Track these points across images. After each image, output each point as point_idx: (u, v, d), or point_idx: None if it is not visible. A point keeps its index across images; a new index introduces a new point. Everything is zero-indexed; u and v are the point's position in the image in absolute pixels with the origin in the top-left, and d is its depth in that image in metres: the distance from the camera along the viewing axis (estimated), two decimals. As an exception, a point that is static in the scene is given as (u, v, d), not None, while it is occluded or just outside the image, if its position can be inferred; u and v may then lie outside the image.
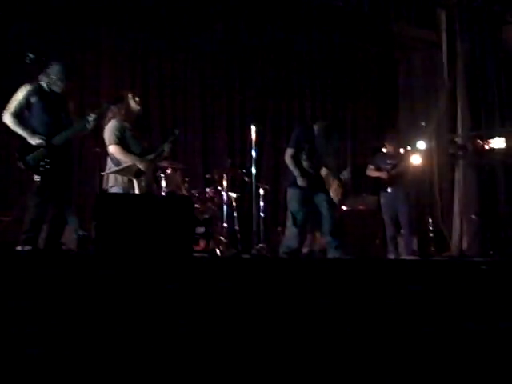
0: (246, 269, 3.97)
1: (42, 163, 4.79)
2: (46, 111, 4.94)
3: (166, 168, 6.63)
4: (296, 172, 5.88)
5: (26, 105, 4.92)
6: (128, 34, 8.18)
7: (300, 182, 5.86)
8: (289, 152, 5.99)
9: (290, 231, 5.93)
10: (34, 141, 4.82)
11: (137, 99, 5.29)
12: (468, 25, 8.65)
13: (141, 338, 3.16)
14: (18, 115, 4.91)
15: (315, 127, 6.12)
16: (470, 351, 3.88)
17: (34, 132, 4.86)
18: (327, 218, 5.93)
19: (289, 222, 5.96)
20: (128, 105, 5.25)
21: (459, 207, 7.62)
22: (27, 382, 2.67)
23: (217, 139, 8.76)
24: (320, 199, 5.95)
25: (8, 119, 4.89)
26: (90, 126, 5.06)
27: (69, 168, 5.12)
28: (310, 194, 5.94)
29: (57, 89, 5.06)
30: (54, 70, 5.03)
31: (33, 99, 4.92)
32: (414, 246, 7.80)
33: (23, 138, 4.86)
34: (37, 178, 4.80)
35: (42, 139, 4.82)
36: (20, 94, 4.93)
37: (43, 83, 5.02)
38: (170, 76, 8.62)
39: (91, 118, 4.99)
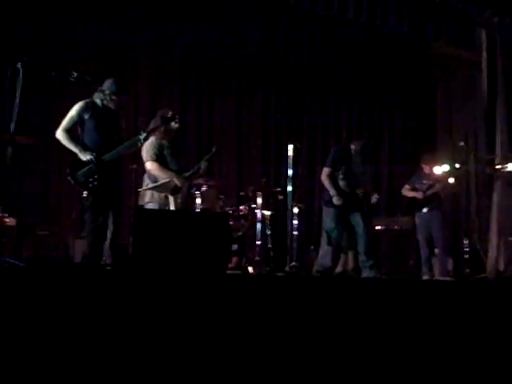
0: (280, 286, 3.98)
1: (90, 179, 4.83)
2: (98, 128, 4.99)
3: (201, 185, 6.69)
4: (332, 191, 5.94)
5: (78, 121, 5.00)
6: (166, 51, 8.31)
7: (336, 201, 5.92)
8: (326, 171, 6.08)
9: (324, 250, 5.97)
10: (84, 157, 4.87)
11: (176, 118, 5.36)
12: (509, 45, 8.56)
13: (175, 353, 3.19)
14: (71, 131, 4.99)
15: (352, 147, 6.16)
16: (504, 374, 3.83)
17: (85, 148, 4.91)
18: (362, 238, 5.96)
19: (323, 241, 6.01)
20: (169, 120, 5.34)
21: (496, 228, 7.50)
22: None
23: (252, 157, 8.81)
24: (355, 218, 5.97)
25: (60, 135, 4.97)
26: (141, 144, 5.12)
27: (118, 186, 5.15)
28: (346, 213, 5.98)
29: (111, 104, 5.10)
30: (107, 84, 5.10)
31: (86, 116, 4.99)
32: (449, 267, 7.71)
33: (75, 154, 4.92)
34: (85, 193, 4.86)
35: (93, 155, 4.86)
36: (73, 111, 5.01)
37: (97, 100, 5.09)
38: (206, 93, 8.72)
39: (142, 136, 5.03)
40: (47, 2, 7.23)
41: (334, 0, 7.56)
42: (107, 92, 5.05)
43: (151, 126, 5.35)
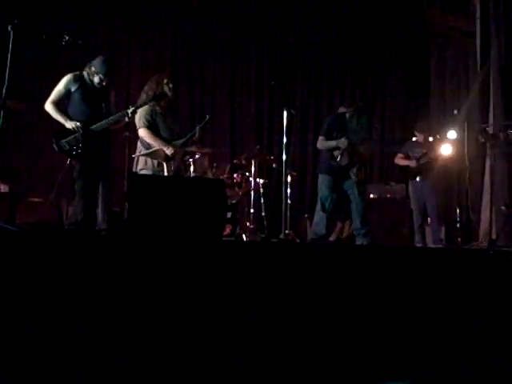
0: (274, 253, 3.98)
1: (74, 147, 4.95)
2: (85, 100, 5.08)
3: (195, 153, 6.65)
4: (336, 152, 5.93)
5: (65, 93, 5.09)
6: (157, 17, 8.22)
7: (337, 154, 5.92)
8: (321, 140, 6.04)
9: (319, 216, 5.97)
10: (69, 125, 4.97)
11: (170, 85, 5.34)
12: (503, 14, 8.50)
13: (169, 319, 3.20)
14: (58, 103, 5.08)
15: (346, 114, 6.11)
16: (493, 341, 3.87)
17: (71, 118, 5.01)
18: (356, 205, 5.96)
19: (318, 208, 6.00)
20: (162, 89, 5.29)
21: (488, 197, 7.52)
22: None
23: (245, 124, 8.75)
24: (350, 186, 5.96)
25: (49, 107, 5.07)
26: (128, 119, 5.15)
27: (106, 153, 5.23)
28: (341, 181, 5.96)
29: (95, 81, 5.15)
30: (96, 63, 5.14)
31: (73, 88, 5.08)
32: (442, 235, 7.75)
33: (62, 125, 5.01)
34: (71, 162, 5.03)
35: (77, 124, 4.96)
36: (61, 84, 5.10)
37: (85, 73, 5.16)
38: (198, 61, 8.62)
39: (130, 110, 5.07)
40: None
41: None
42: (94, 70, 5.12)
43: (145, 94, 5.33)
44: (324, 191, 5.96)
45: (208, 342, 3.16)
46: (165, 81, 5.38)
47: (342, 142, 5.90)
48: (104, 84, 5.16)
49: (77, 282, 3.07)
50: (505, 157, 8.00)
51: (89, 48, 5.67)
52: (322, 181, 6.03)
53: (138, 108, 5.16)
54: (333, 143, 5.96)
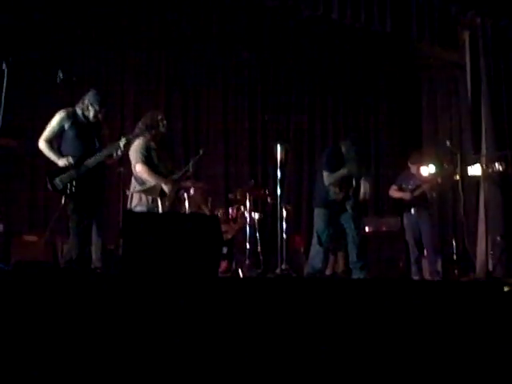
0: (271, 289, 3.95)
1: (69, 185, 4.95)
2: (79, 137, 5.09)
3: (189, 188, 6.65)
4: (341, 173, 5.91)
5: (59, 131, 5.10)
6: (151, 53, 8.27)
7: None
8: (327, 176, 5.97)
9: (315, 250, 5.94)
10: (62, 162, 4.99)
11: (164, 121, 5.37)
12: (492, 45, 8.62)
13: (167, 356, 3.15)
14: (51, 141, 5.10)
15: (342, 147, 6.13)
16: (491, 371, 3.83)
17: (63, 156, 5.02)
18: (353, 239, 5.95)
19: (314, 241, 5.97)
20: (155, 124, 5.31)
21: (484, 228, 7.52)
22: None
23: (239, 159, 8.76)
24: (346, 219, 5.95)
25: (42, 144, 5.08)
26: (121, 151, 5.14)
27: (100, 190, 5.22)
28: (337, 214, 5.95)
29: (90, 115, 5.17)
30: (89, 96, 5.18)
31: (66, 125, 5.09)
32: (439, 267, 7.72)
33: (55, 164, 5.04)
34: (66, 199, 5.01)
35: (68, 160, 4.97)
36: (54, 121, 5.11)
37: (78, 109, 5.18)
38: (192, 96, 8.67)
39: (122, 142, 5.07)
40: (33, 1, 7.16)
41: (319, 1, 7.55)
42: (87, 104, 5.14)
43: (137, 127, 5.36)
44: (320, 225, 5.95)
45: (204, 379, 3.11)
46: (159, 117, 5.41)
47: (349, 168, 5.89)
48: (99, 116, 5.18)
49: (72, 321, 3.03)
50: (498, 187, 8.03)
51: (83, 84, 5.67)
52: (318, 214, 6.01)
53: (130, 139, 5.18)
54: (340, 173, 5.93)
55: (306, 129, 9.42)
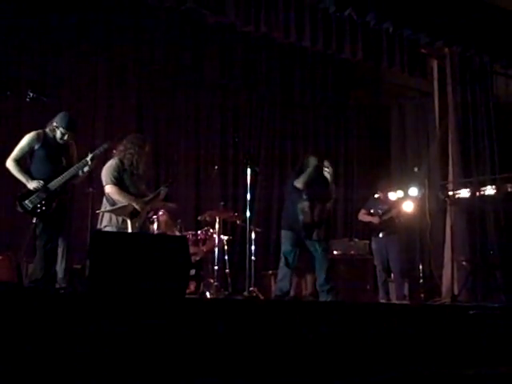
0: (238, 311, 3.95)
1: (38, 205, 4.95)
2: (47, 158, 5.11)
3: (159, 209, 6.64)
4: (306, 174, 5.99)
5: (28, 151, 5.11)
6: (122, 74, 8.27)
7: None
8: (296, 182, 6.02)
9: (283, 272, 5.95)
10: (31, 185, 4.98)
11: (147, 146, 5.42)
12: (459, 75, 8.82)
13: (131, 376, 3.13)
14: (20, 161, 5.09)
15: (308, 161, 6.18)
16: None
17: (33, 177, 5.02)
18: (320, 262, 5.98)
19: (282, 264, 5.98)
20: (130, 147, 5.34)
21: (450, 253, 7.63)
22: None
23: (210, 181, 8.77)
24: (313, 244, 5.98)
25: (10, 165, 5.08)
26: (88, 168, 5.16)
27: (68, 208, 5.29)
28: (303, 238, 5.98)
29: (57, 136, 5.19)
30: (59, 121, 5.19)
31: (36, 146, 5.10)
32: (405, 291, 7.80)
33: (24, 184, 5.02)
34: (35, 220, 5.00)
35: (39, 183, 4.97)
36: (24, 141, 5.12)
37: (48, 130, 5.19)
38: (163, 118, 8.66)
39: (89, 157, 5.09)
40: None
41: (291, 28, 7.66)
42: (58, 128, 5.16)
43: (103, 145, 5.36)
44: (287, 246, 5.97)
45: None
46: (143, 139, 5.53)
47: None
48: (66, 138, 5.19)
49: (36, 341, 2.99)
50: (464, 212, 8.16)
51: (53, 105, 5.65)
52: (285, 236, 6.05)
53: (96, 155, 5.19)
54: (308, 172, 6.02)
55: (276, 152, 9.48)
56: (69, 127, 5.19)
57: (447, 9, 8.29)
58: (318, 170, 6.09)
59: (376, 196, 7.96)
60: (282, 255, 6.01)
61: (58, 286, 5.01)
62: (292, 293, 6.82)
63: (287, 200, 6.23)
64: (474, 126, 8.71)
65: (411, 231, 8.47)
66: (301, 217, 5.93)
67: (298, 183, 6.00)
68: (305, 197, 5.96)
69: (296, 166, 6.51)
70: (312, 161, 6.09)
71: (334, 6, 7.63)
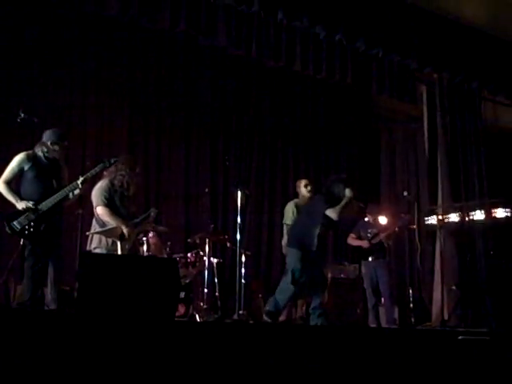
0: (227, 334, 3.93)
1: (27, 227, 4.94)
2: (38, 178, 5.11)
3: (148, 231, 6.62)
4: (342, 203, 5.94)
5: (18, 172, 5.10)
6: (113, 95, 8.28)
7: None
8: (331, 211, 5.97)
9: (285, 287, 5.86)
10: (20, 205, 4.98)
11: (137, 168, 5.44)
12: (448, 100, 8.93)
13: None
14: (10, 182, 5.09)
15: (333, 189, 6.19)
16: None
17: (22, 198, 5.01)
18: (320, 286, 6.01)
19: (286, 279, 5.88)
20: (121, 168, 5.34)
21: (440, 277, 7.65)
22: None
23: (200, 204, 8.75)
24: (317, 268, 6.00)
25: (0, 186, 5.06)
26: (78, 191, 5.15)
27: (57, 232, 5.21)
28: (310, 260, 5.95)
29: (53, 154, 5.22)
30: (46, 136, 5.22)
31: (26, 167, 5.11)
32: (395, 315, 7.79)
33: (13, 205, 5.02)
34: (22, 241, 5.00)
35: (28, 204, 4.96)
36: (14, 162, 5.13)
37: (38, 151, 5.20)
38: (154, 139, 8.63)
39: (80, 181, 5.09)
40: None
41: (282, 53, 7.74)
42: (47, 143, 5.19)
43: (98, 166, 5.36)
44: (295, 264, 5.88)
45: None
46: (134, 161, 5.59)
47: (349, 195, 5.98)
48: (57, 150, 5.20)
49: (24, 362, 2.96)
50: (453, 237, 8.20)
51: (44, 125, 5.65)
52: (293, 253, 5.99)
53: (88, 178, 5.19)
54: (344, 201, 5.98)
55: (267, 176, 9.49)
56: (58, 138, 5.23)
57: (436, 35, 8.42)
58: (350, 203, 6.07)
59: (365, 220, 7.98)
60: (288, 272, 5.92)
61: (46, 307, 4.97)
62: (283, 317, 6.77)
63: (304, 220, 6.21)
64: (463, 150, 8.80)
65: (401, 255, 8.49)
66: (315, 240, 5.90)
67: (333, 214, 5.95)
68: (325, 223, 5.96)
69: (326, 189, 6.31)
70: (348, 193, 6.01)
71: (325, 32, 7.73)
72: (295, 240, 6.14)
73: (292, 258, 6.00)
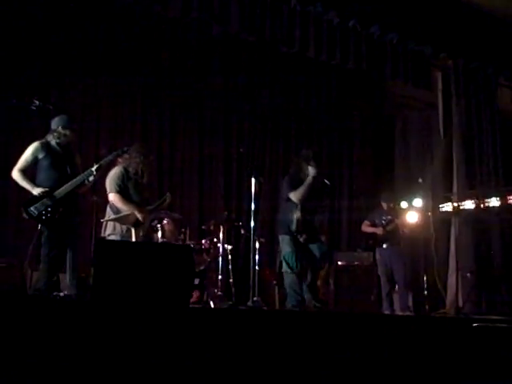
0: (242, 321, 3.95)
1: (43, 212, 4.98)
2: (52, 166, 5.15)
3: (163, 218, 6.64)
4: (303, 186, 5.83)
5: (32, 161, 5.17)
6: (127, 84, 8.28)
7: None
8: (292, 194, 5.84)
9: (290, 279, 5.80)
10: (36, 191, 5.02)
11: (151, 156, 5.46)
12: (463, 86, 8.83)
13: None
14: (25, 171, 5.16)
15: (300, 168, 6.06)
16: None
17: (38, 185, 5.07)
18: (319, 262, 5.92)
19: (285, 270, 5.84)
20: (135, 156, 5.37)
21: (454, 264, 7.61)
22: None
23: (214, 191, 8.77)
24: (314, 249, 5.90)
25: (16, 175, 5.14)
26: (93, 177, 5.17)
27: (74, 217, 5.23)
28: (304, 243, 5.86)
29: (64, 140, 5.24)
30: (56, 122, 5.25)
31: (40, 155, 5.16)
32: (409, 302, 7.77)
33: (29, 192, 5.07)
34: (40, 226, 5.02)
35: (44, 189, 5.01)
36: (28, 152, 5.18)
37: (50, 139, 5.24)
38: (168, 128, 8.68)
39: (94, 168, 5.12)
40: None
41: (295, 38, 7.68)
42: (58, 129, 5.23)
43: (112, 154, 5.40)
44: (286, 249, 5.82)
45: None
46: (147, 148, 5.62)
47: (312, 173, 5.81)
48: (68, 135, 5.24)
49: (40, 349, 2.99)
50: (468, 224, 8.14)
51: (58, 112, 5.68)
52: (283, 240, 5.89)
53: (102, 164, 5.23)
54: (306, 184, 5.83)
55: (281, 163, 9.48)
56: (67, 123, 5.26)
57: (451, 21, 8.33)
58: (316, 181, 5.91)
59: (379, 207, 7.96)
60: (283, 261, 5.86)
61: (65, 292, 5.02)
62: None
63: (281, 206, 6.12)
64: (479, 137, 8.72)
65: (415, 242, 8.44)
66: (294, 225, 5.82)
67: (294, 197, 5.84)
68: (299, 207, 5.84)
69: (290, 169, 6.28)
70: (311, 171, 5.84)
71: (338, 18, 7.67)
72: (280, 226, 6.06)
73: (282, 244, 5.94)
